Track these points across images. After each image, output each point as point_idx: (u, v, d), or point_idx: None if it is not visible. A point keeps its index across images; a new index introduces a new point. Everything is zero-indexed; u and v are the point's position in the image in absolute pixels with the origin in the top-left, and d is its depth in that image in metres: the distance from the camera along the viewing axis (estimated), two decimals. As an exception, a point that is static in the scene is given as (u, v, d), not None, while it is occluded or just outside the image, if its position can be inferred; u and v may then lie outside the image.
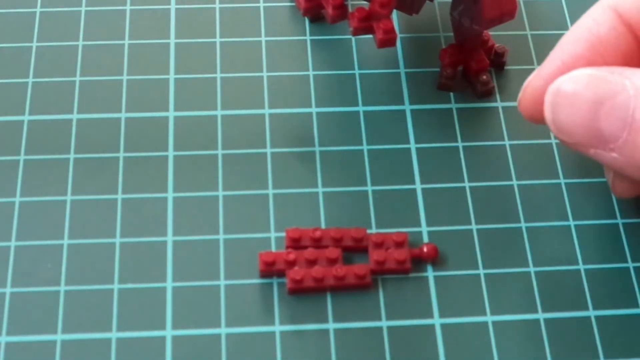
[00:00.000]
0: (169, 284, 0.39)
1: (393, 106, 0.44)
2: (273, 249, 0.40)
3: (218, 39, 0.46)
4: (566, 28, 0.47)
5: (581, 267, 0.40)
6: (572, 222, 0.41)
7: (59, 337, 0.37)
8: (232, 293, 0.39)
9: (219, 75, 0.45)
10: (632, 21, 0.36)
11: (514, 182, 0.42)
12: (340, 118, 0.44)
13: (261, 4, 0.47)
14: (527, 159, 0.43)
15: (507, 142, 0.43)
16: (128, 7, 0.47)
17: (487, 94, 0.45)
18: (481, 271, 0.40)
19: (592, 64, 0.37)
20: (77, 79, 0.44)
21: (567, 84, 0.36)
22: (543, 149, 0.43)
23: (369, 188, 0.42)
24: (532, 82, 0.38)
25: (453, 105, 0.44)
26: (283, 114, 0.44)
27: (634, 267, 0.40)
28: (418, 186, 0.42)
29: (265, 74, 0.45)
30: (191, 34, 0.46)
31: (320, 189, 0.41)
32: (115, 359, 0.37)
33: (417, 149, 0.43)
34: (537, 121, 0.38)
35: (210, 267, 0.39)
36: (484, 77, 0.44)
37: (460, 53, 0.45)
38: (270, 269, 0.39)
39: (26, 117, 0.43)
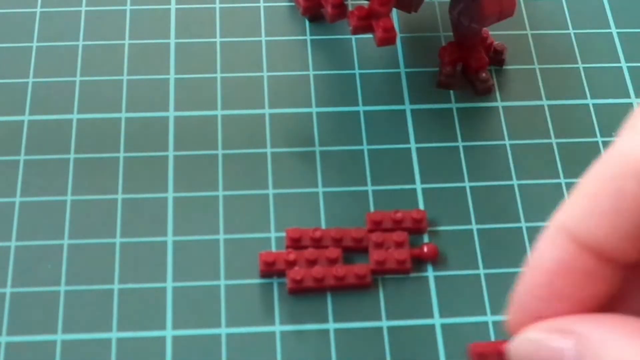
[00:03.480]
0: (169, 284, 0.39)
1: (393, 106, 0.44)
2: (273, 249, 0.40)
3: (218, 39, 0.46)
4: (566, 27, 0.47)
5: (581, 266, 0.40)
6: (572, 222, 0.41)
7: (59, 337, 0.37)
8: (232, 293, 0.39)
9: (219, 75, 0.45)
10: (581, 238, 0.32)
11: (514, 182, 0.42)
12: (340, 118, 0.44)
13: (261, 4, 0.47)
14: (527, 159, 0.43)
15: (507, 142, 0.43)
16: (128, 7, 0.47)
17: (487, 92, 0.45)
18: (481, 271, 0.40)
19: (554, 289, 0.34)
20: (77, 79, 0.44)
21: (518, 348, 0.35)
22: (543, 149, 0.43)
23: (369, 188, 0.42)
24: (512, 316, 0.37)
25: (453, 105, 0.44)
26: (283, 114, 0.44)
27: (634, 267, 0.40)
28: (418, 186, 0.42)
29: (265, 74, 0.45)
30: (191, 34, 0.46)
31: (320, 189, 0.41)
32: (115, 359, 0.37)
33: (417, 148, 0.43)
34: None
35: (210, 267, 0.39)
36: (484, 74, 0.44)
37: (459, 51, 0.45)
38: (270, 269, 0.39)
39: (26, 117, 0.43)
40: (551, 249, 0.33)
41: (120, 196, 0.41)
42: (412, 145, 0.43)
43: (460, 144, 0.43)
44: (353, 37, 0.46)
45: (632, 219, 0.31)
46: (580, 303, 0.34)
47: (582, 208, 0.32)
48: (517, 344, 0.36)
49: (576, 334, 0.33)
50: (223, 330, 0.38)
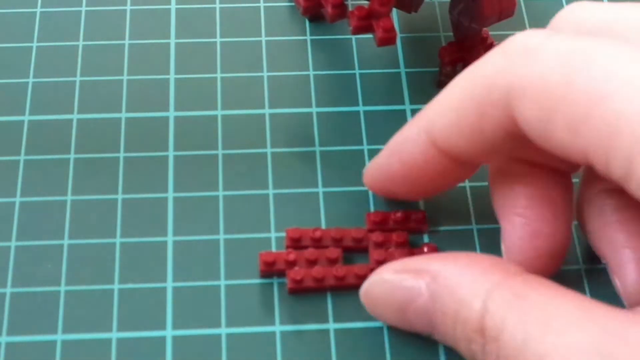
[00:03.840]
0: (169, 284, 0.39)
1: (393, 106, 0.44)
2: (273, 249, 0.40)
3: (218, 39, 0.46)
4: (566, 27, 0.47)
5: (581, 266, 0.40)
6: (572, 222, 0.41)
7: (59, 337, 0.37)
8: (232, 293, 0.39)
9: (219, 75, 0.45)
10: (443, 146, 0.36)
11: (514, 182, 0.42)
12: (340, 118, 0.44)
13: (261, 4, 0.47)
14: (527, 159, 0.42)
15: (507, 142, 0.43)
16: (128, 7, 0.47)
17: (487, 94, 0.45)
18: (481, 271, 0.40)
19: (409, 179, 0.38)
20: (77, 79, 0.44)
21: (373, 288, 0.37)
22: (543, 149, 0.43)
23: (369, 188, 0.41)
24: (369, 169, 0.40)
25: (453, 105, 0.44)
26: (283, 114, 0.44)
27: (634, 267, 0.40)
28: (418, 186, 0.42)
29: (265, 74, 0.45)
30: (191, 34, 0.46)
31: (320, 189, 0.41)
32: (115, 359, 0.37)
33: (417, 148, 0.43)
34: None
35: (210, 267, 0.39)
36: (484, 76, 0.44)
37: (459, 51, 0.45)
38: (270, 269, 0.39)
39: (26, 117, 0.43)
40: (413, 146, 0.37)
41: (120, 196, 0.41)
42: (412, 145, 0.43)
43: (460, 144, 0.43)
44: (353, 37, 0.46)
45: (490, 138, 0.35)
46: (428, 190, 0.39)
47: (448, 120, 0.36)
48: (370, 285, 0.37)
49: (430, 272, 0.35)
50: (223, 330, 0.38)
